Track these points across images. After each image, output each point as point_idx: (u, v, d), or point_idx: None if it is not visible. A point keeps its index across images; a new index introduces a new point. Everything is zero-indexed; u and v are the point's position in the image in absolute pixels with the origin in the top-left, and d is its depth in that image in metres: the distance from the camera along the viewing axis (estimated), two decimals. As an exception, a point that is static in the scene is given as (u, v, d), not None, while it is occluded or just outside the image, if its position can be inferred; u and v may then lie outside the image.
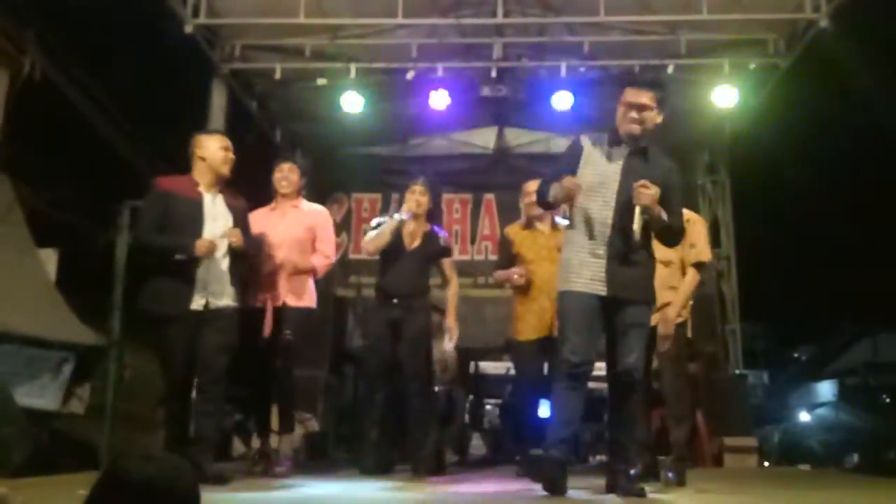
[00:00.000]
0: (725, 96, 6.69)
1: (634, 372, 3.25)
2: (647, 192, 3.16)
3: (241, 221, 3.91)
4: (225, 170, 3.88)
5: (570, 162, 3.37)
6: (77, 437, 4.36)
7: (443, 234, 4.74)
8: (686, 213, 4.00)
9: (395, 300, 4.48)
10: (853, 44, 6.67)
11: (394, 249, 4.55)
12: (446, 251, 4.67)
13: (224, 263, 3.78)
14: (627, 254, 3.24)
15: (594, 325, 3.28)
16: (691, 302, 4.23)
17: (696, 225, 4.07)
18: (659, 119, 3.36)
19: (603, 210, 3.26)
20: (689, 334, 4.21)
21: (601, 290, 3.23)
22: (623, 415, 3.35)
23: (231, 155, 3.92)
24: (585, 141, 3.42)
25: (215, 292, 3.73)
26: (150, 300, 3.73)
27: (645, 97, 3.33)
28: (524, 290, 4.48)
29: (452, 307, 4.61)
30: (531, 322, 4.46)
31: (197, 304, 3.69)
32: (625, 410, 3.34)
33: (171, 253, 3.70)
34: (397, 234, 4.58)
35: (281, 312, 4.29)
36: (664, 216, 3.24)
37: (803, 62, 6.52)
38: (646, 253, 3.33)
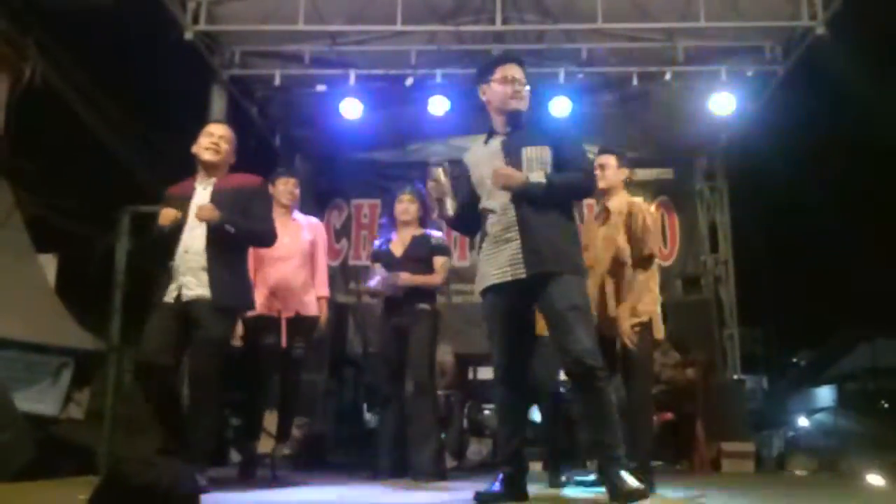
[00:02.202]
0: (723, 103, 6.73)
1: (589, 359, 2.96)
2: (499, 175, 3.09)
3: (224, 200, 3.70)
4: (207, 155, 3.75)
5: (464, 185, 3.35)
6: (76, 443, 4.37)
7: (437, 234, 4.76)
8: (635, 204, 3.92)
9: (399, 307, 4.55)
10: (850, 50, 6.70)
11: (387, 263, 4.66)
12: (437, 249, 4.68)
13: (197, 254, 3.63)
14: (541, 228, 3.10)
15: (517, 323, 3.19)
16: (659, 299, 4.01)
17: (638, 216, 3.87)
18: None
19: (502, 198, 3.17)
20: (659, 335, 3.98)
21: (521, 272, 3.08)
22: (595, 411, 3.02)
23: (215, 140, 3.78)
24: (466, 156, 3.44)
25: (188, 283, 3.60)
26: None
27: (518, 72, 3.30)
28: None
29: (420, 278, 4.57)
30: None
31: (170, 295, 3.60)
32: (596, 405, 3.01)
33: (152, 240, 3.73)
34: (388, 247, 4.72)
35: (295, 322, 4.38)
36: (536, 179, 3.09)
37: (800, 69, 6.56)
38: (557, 216, 3.15)
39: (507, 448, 3.24)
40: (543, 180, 3.10)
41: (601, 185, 3.99)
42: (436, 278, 4.64)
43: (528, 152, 3.17)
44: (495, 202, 3.20)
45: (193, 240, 3.64)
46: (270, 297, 4.35)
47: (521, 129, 3.25)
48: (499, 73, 3.29)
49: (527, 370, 3.30)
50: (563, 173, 3.15)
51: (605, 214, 4.00)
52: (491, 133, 3.35)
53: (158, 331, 3.55)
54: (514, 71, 3.29)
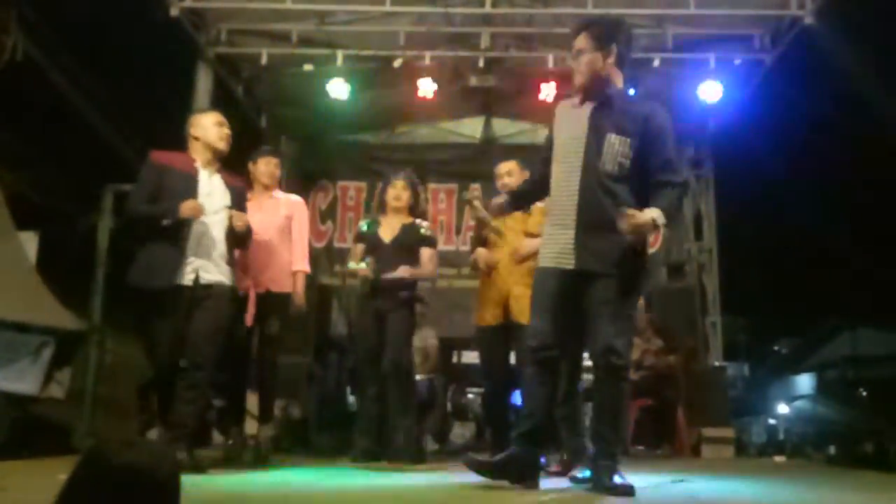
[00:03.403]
0: (711, 91, 6.74)
1: (612, 356, 2.96)
2: (631, 223, 2.88)
3: (238, 202, 3.86)
4: (221, 145, 3.83)
5: (550, 136, 3.25)
6: (57, 422, 4.34)
7: (426, 224, 4.77)
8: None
9: (379, 292, 4.53)
10: (837, 40, 6.72)
11: (372, 246, 4.64)
12: (424, 240, 4.68)
13: (218, 239, 3.71)
14: (601, 223, 2.99)
15: (560, 306, 3.07)
16: None
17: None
18: (602, 59, 3.10)
19: (570, 177, 3.06)
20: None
21: (568, 263, 3.03)
22: (603, 404, 3.07)
23: (227, 130, 3.87)
24: (561, 105, 3.31)
25: (207, 267, 3.65)
26: (139, 274, 3.58)
27: (578, 41, 3.14)
28: (487, 274, 4.38)
29: (413, 271, 4.57)
30: (490, 308, 4.35)
31: (187, 278, 3.59)
32: (604, 399, 3.05)
33: (157, 219, 3.59)
34: (375, 230, 4.69)
35: (265, 299, 4.31)
36: (662, 221, 2.91)
37: (788, 58, 6.58)
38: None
39: (522, 426, 3.13)
40: (664, 220, 2.94)
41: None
42: (427, 271, 4.66)
43: (611, 140, 3.03)
44: (563, 181, 3.11)
45: (213, 226, 3.70)
46: (240, 274, 4.25)
47: (611, 109, 3.10)
48: None
49: (559, 354, 3.18)
50: (660, 194, 3.00)
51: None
52: (581, 100, 3.20)
53: (174, 326, 3.59)
54: (573, 44, 3.17)
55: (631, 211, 2.89)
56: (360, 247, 4.71)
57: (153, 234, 3.60)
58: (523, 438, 3.10)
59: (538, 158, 3.34)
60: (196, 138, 3.82)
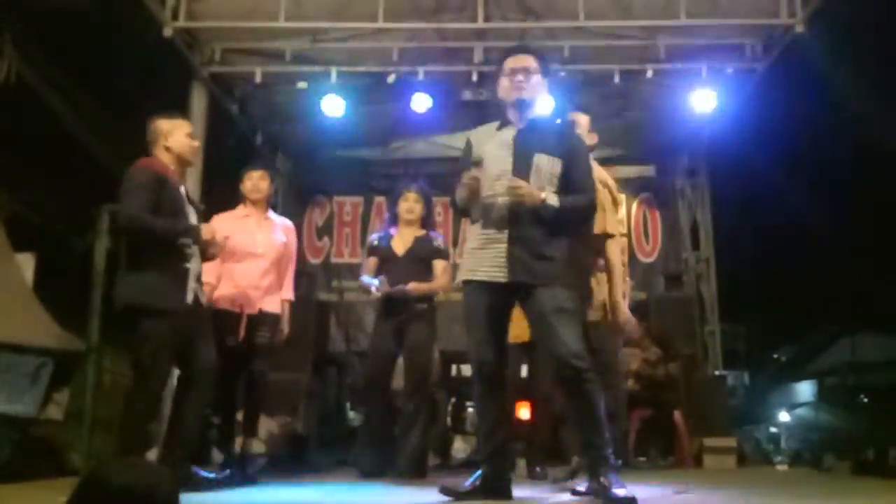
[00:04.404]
0: (704, 100, 6.77)
1: (576, 360, 2.96)
2: (517, 192, 3.02)
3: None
4: (194, 159, 3.80)
5: (463, 163, 3.29)
6: (55, 443, 4.32)
7: (438, 237, 4.78)
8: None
9: (398, 307, 4.53)
10: (829, 48, 6.77)
11: (386, 259, 4.64)
12: (438, 252, 4.70)
13: (199, 258, 3.68)
14: (532, 239, 3.07)
15: (495, 321, 3.15)
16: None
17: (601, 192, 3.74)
18: (544, 86, 3.27)
19: (499, 194, 3.11)
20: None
21: (501, 276, 3.07)
22: (584, 412, 3.02)
23: (197, 143, 3.81)
24: (473, 135, 3.37)
25: (200, 287, 3.66)
26: (146, 294, 3.41)
27: (528, 60, 3.26)
28: None
29: (426, 286, 4.58)
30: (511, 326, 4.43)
31: (189, 297, 3.57)
32: (584, 407, 3.01)
33: (175, 237, 3.48)
34: (388, 243, 4.69)
35: (255, 319, 4.30)
36: (551, 202, 3.04)
37: (780, 66, 6.61)
38: (556, 237, 3.11)
39: (486, 447, 3.21)
40: (557, 204, 3.06)
41: None
42: (440, 284, 4.64)
43: (540, 160, 3.12)
44: (491, 198, 3.14)
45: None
46: (235, 292, 4.25)
47: (535, 131, 3.20)
48: (505, 66, 3.30)
49: (503, 367, 3.24)
50: (572, 196, 3.13)
51: None
52: (504, 122, 3.30)
53: (175, 346, 3.49)
54: (516, 62, 3.27)
55: (517, 182, 3.03)
56: (373, 260, 4.71)
57: (162, 251, 3.47)
58: (489, 458, 3.17)
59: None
60: (168, 148, 3.67)
